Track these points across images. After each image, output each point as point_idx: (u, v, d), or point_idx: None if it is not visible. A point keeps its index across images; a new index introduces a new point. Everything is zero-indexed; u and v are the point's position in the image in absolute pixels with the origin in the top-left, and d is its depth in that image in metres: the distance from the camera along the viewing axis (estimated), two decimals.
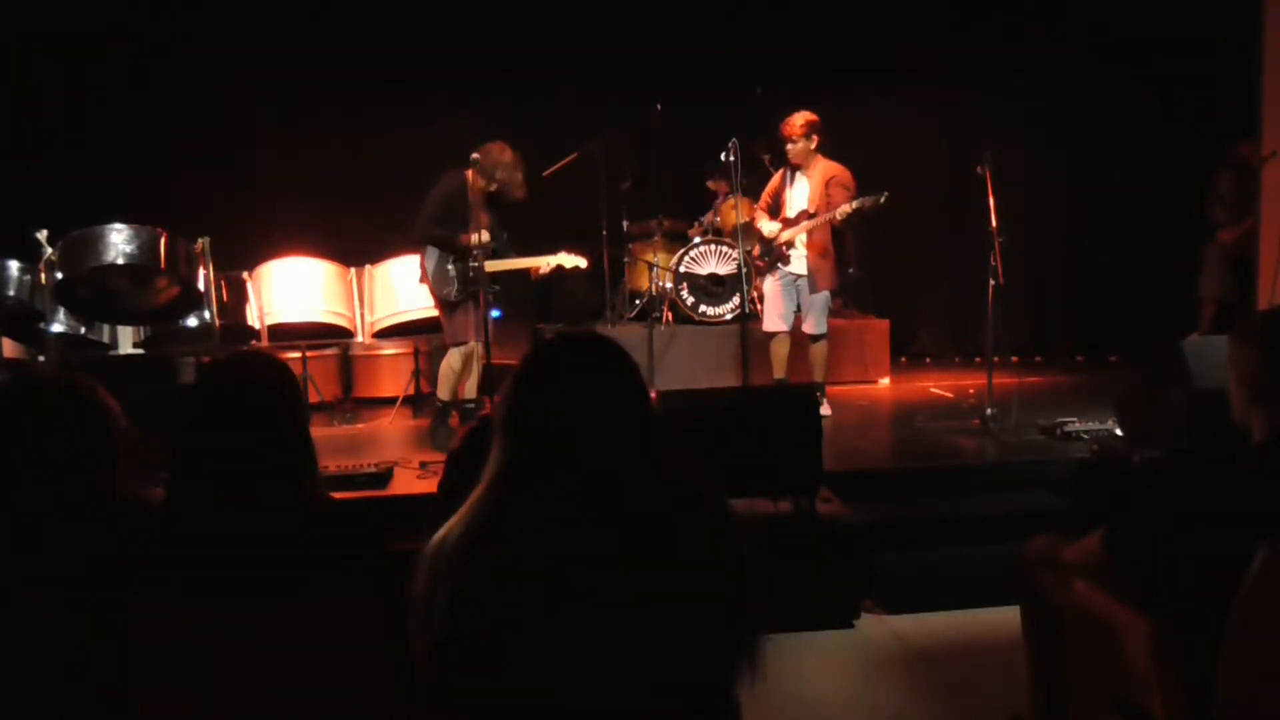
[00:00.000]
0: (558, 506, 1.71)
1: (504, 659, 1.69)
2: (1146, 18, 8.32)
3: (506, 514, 1.73)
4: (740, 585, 1.76)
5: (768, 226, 6.40)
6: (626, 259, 7.93)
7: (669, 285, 7.64)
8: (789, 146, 6.36)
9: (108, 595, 2.15)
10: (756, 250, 6.61)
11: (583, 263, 6.08)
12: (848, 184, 6.36)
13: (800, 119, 6.33)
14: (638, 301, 7.95)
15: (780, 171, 6.56)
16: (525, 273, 6.18)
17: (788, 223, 6.45)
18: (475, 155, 5.78)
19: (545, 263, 5.99)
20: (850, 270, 6.94)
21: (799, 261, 6.43)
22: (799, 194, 6.47)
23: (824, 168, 6.41)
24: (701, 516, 1.77)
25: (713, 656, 1.75)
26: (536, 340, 1.86)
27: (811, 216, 6.36)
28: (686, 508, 1.76)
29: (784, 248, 6.42)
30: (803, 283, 6.44)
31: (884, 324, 7.97)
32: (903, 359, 8.64)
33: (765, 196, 6.68)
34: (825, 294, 6.43)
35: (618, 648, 1.69)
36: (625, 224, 8.02)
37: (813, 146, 6.37)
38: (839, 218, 6.25)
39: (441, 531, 1.78)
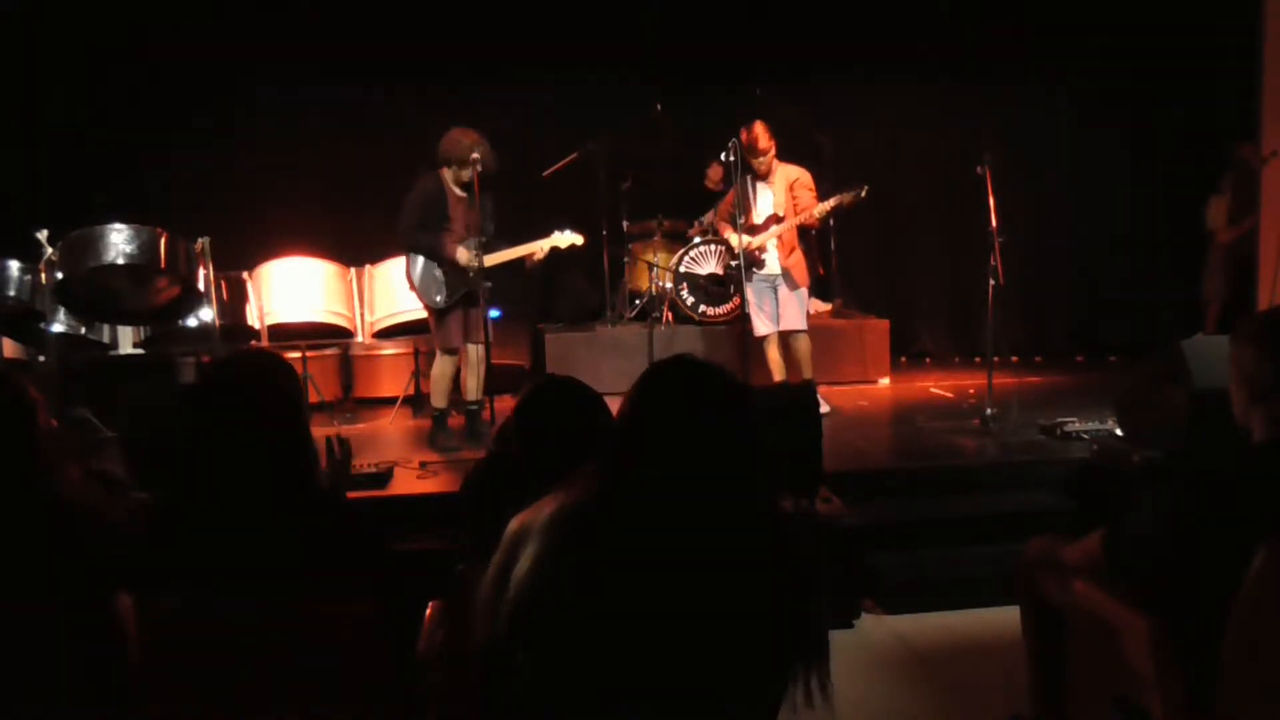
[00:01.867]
0: (654, 509, 1.75)
1: (565, 650, 1.71)
2: (1147, 18, 8.31)
3: (606, 506, 1.77)
4: (815, 612, 1.80)
5: (735, 240, 6.37)
6: (626, 259, 7.92)
7: (669, 285, 7.63)
8: (760, 159, 6.35)
9: (78, 595, 2.15)
10: (730, 259, 6.63)
11: (579, 239, 6.03)
12: (810, 185, 6.46)
13: (764, 129, 6.33)
14: (638, 301, 7.94)
15: (738, 181, 6.50)
16: (524, 274, 6.15)
17: (756, 229, 6.47)
18: (458, 155, 5.71)
19: (539, 247, 5.91)
20: (820, 271, 6.95)
21: (773, 263, 6.47)
22: (764, 200, 6.51)
23: (785, 172, 6.46)
24: (783, 544, 1.81)
25: (779, 680, 1.78)
26: (670, 359, 1.92)
27: (780, 220, 6.39)
28: (776, 535, 1.80)
29: (757, 253, 6.44)
30: (779, 282, 6.48)
31: (884, 324, 7.97)
32: (903, 359, 8.63)
33: (725, 207, 6.70)
34: (803, 290, 6.48)
35: (678, 658, 1.71)
36: (625, 224, 8.01)
37: (774, 152, 6.40)
38: (817, 216, 6.30)
39: (544, 508, 1.82)
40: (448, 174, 5.84)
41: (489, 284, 5.78)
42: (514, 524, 1.85)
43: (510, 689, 1.76)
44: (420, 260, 5.87)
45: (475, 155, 5.67)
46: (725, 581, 1.74)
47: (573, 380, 2.73)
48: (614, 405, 2.71)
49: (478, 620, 1.84)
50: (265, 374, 2.38)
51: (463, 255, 5.74)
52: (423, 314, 6.47)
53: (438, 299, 5.86)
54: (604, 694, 1.71)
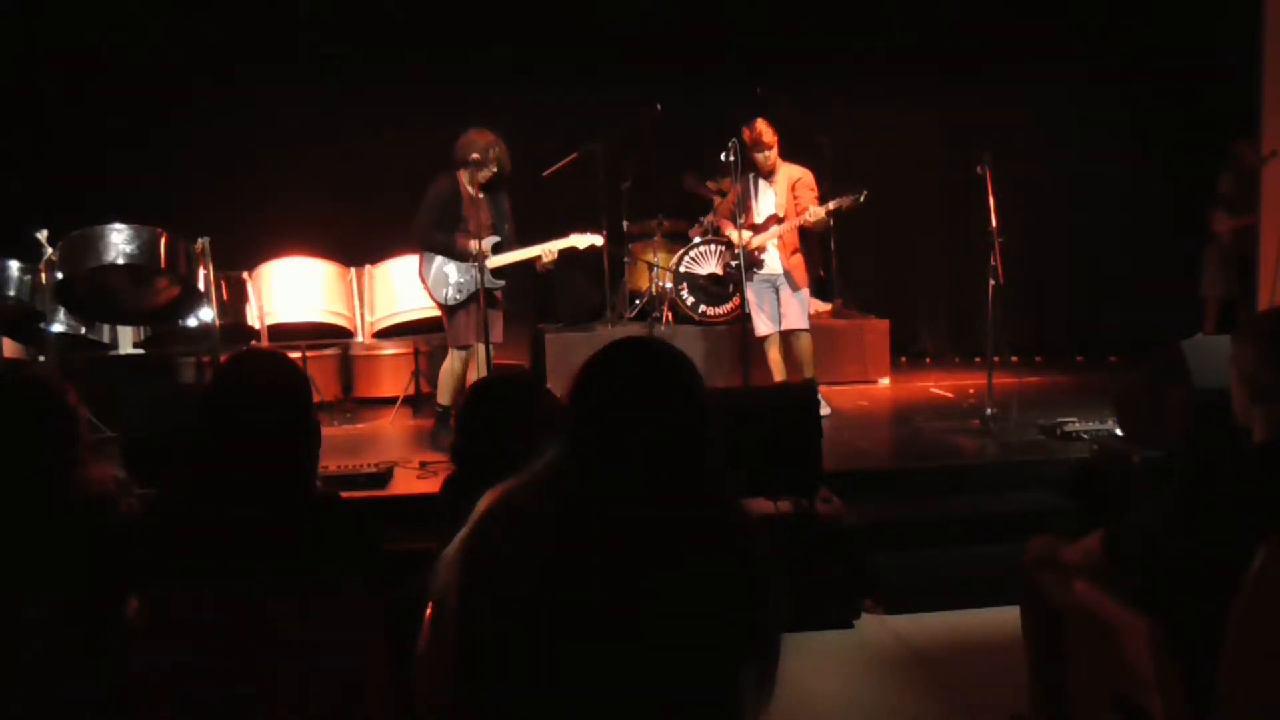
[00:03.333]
0: (604, 497, 1.74)
1: (533, 647, 1.71)
2: (1147, 17, 8.32)
3: (560, 493, 1.77)
4: (760, 605, 1.79)
5: (735, 236, 6.35)
6: (626, 259, 7.92)
7: (669, 285, 7.64)
8: (765, 154, 6.34)
9: (91, 594, 2.16)
10: (730, 259, 6.63)
11: (598, 240, 6.00)
12: (812, 185, 6.45)
13: (768, 126, 6.32)
14: (638, 301, 7.95)
15: (740, 181, 6.46)
16: (528, 272, 6.14)
17: (757, 228, 6.46)
18: (475, 155, 5.75)
19: (549, 249, 5.87)
20: (820, 273, 6.95)
21: (773, 263, 6.46)
22: (765, 199, 6.50)
23: (787, 171, 6.44)
24: (732, 533, 1.80)
25: (724, 672, 1.77)
26: (615, 342, 1.90)
27: (781, 221, 6.39)
28: (721, 523, 1.80)
29: (757, 253, 6.43)
30: (780, 281, 6.47)
31: (884, 324, 7.97)
32: (903, 359, 8.63)
33: (726, 206, 6.69)
34: (804, 290, 6.47)
35: (633, 650, 1.70)
36: (625, 224, 8.01)
37: (778, 149, 6.39)
38: (810, 219, 6.30)
39: (496, 495, 1.80)
40: (464, 175, 5.84)
41: (502, 283, 5.80)
42: (460, 537, 1.85)
43: (471, 676, 1.76)
44: (436, 259, 5.87)
45: (486, 155, 5.69)
46: (666, 566, 1.73)
47: (514, 374, 2.75)
48: None
49: (443, 639, 1.84)
50: (275, 373, 2.39)
51: (473, 243, 5.72)
52: (423, 314, 6.49)
53: (448, 296, 5.86)
54: (552, 680, 1.71)
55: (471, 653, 1.75)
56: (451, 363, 6.00)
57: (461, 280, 5.82)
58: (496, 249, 5.80)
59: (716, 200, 7.86)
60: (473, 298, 5.80)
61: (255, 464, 2.25)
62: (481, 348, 5.83)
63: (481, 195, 5.88)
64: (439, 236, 5.80)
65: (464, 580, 1.77)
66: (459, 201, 5.84)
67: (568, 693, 1.70)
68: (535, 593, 1.71)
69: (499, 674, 1.73)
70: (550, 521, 1.75)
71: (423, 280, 5.93)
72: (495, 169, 5.79)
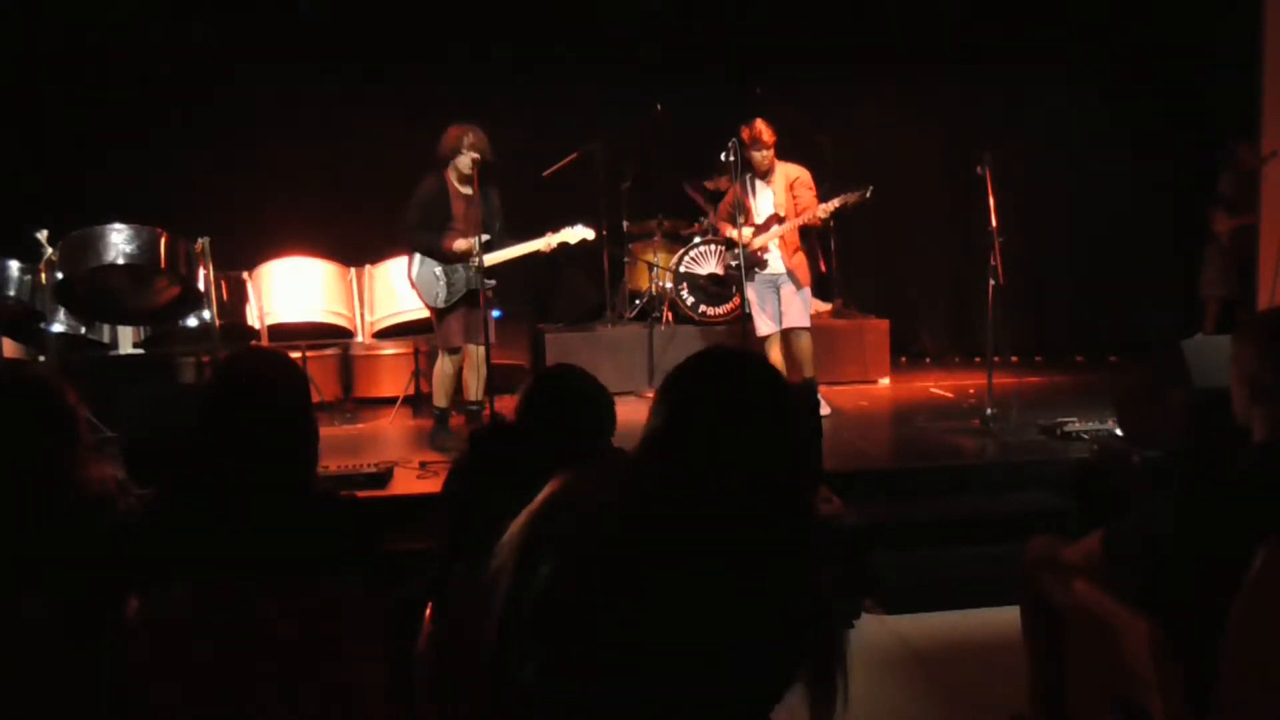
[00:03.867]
0: (681, 499, 1.73)
1: (585, 641, 1.69)
2: (1147, 18, 8.32)
3: (634, 489, 1.77)
4: (826, 613, 1.79)
5: (736, 234, 6.34)
6: (626, 259, 7.92)
7: (669, 285, 7.64)
8: (763, 153, 6.33)
9: (91, 594, 2.16)
10: (730, 259, 6.64)
11: (589, 234, 5.99)
12: (810, 184, 6.46)
13: (767, 126, 6.31)
14: (638, 301, 7.95)
15: (737, 181, 6.45)
16: (527, 272, 6.14)
17: (758, 229, 6.46)
18: (475, 155, 5.73)
19: (546, 243, 5.88)
20: (822, 269, 6.95)
21: (775, 263, 6.46)
22: (764, 199, 6.50)
23: (785, 171, 6.45)
24: (805, 542, 1.80)
25: (782, 678, 1.77)
26: (713, 350, 1.89)
27: (781, 220, 6.39)
28: (793, 532, 1.79)
29: (759, 253, 6.43)
30: (782, 280, 6.47)
31: (884, 324, 7.97)
32: (903, 359, 8.63)
33: (725, 207, 6.69)
34: (806, 290, 6.48)
35: (699, 655, 1.69)
36: (625, 224, 8.01)
37: (775, 149, 6.40)
38: (820, 216, 6.30)
39: (563, 483, 1.80)
40: (451, 173, 5.84)
41: (493, 282, 5.78)
42: (521, 521, 1.82)
43: (520, 690, 1.74)
44: (419, 260, 5.86)
45: (470, 149, 5.69)
46: (756, 578, 1.72)
47: (577, 369, 2.72)
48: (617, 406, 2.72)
49: (484, 624, 1.82)
50: (276, 372, 2.39)
51: (461, 244, 5.72)
52: (423, 314, 6.47)
53: (438, 298, 5.86)
54: (620, 690, 1.69)
55: (514, 640, 1.73)
56: (443, 365, 6.00)
57: (450, 281, 5.81)
58: (487, 247, 5.79)
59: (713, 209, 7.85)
60: (463, 300, 5.81)
61: (255, 464, 2.25)
62: (479, 349, 5.84)
63: (469, 192, 5.87)
64: (425, 237, 5.79)
65: (520, 563, 1.76)
66: (447, 200, 5.84)
67: (613, 693, 1.69)
68: (594, 586, 1.70)
69: (540, 664, 1.71)
70: (620, 517, 1.74)
71: (412, 283, 5.93)
72: (478, 155, 5.75)
